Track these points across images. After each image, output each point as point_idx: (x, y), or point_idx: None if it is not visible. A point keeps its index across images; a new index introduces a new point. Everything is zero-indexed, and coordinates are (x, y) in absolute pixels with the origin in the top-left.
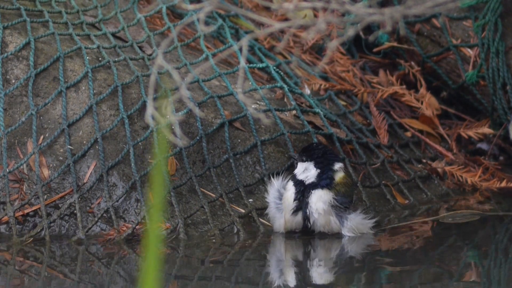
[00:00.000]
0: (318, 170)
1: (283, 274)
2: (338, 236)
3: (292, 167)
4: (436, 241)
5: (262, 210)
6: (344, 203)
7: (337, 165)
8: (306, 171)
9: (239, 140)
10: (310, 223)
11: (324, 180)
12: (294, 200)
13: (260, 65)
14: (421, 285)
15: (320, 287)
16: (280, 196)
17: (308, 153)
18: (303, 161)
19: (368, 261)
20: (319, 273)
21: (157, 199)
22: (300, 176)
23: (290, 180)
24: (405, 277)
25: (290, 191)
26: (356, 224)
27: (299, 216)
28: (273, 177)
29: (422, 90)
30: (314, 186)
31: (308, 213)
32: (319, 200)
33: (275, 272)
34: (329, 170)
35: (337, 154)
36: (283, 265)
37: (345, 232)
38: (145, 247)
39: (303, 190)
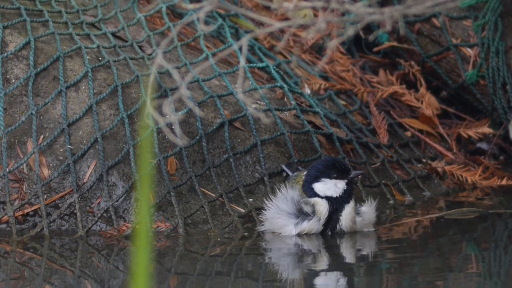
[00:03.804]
0: (346, 186)
1: (284, 268)
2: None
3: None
4: (438, 238)
5: (262, 209)
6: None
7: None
8: (336, 187)
9: (239, 140)
10: (338, 227)
11: (350, 193)
12: (328, 213)
13: (260, 64)
14: (421, 277)
15: (321, 280)
16: (295, 207)
17: (335, 171)
18: (334, 178)
19: (369, 255)
20: (321, 267)
21: (145, 200)
22: (328, 192)
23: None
24: (405, 270)
25: (323, 206)
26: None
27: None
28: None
29: (422, 90)
30: (344, 201)
31: (339, 224)
32: (349, 213)
33: (276, 265)
34: (350, 183)
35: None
36: (284, 258)
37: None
38: (135, 248)
39: (335, 204)
